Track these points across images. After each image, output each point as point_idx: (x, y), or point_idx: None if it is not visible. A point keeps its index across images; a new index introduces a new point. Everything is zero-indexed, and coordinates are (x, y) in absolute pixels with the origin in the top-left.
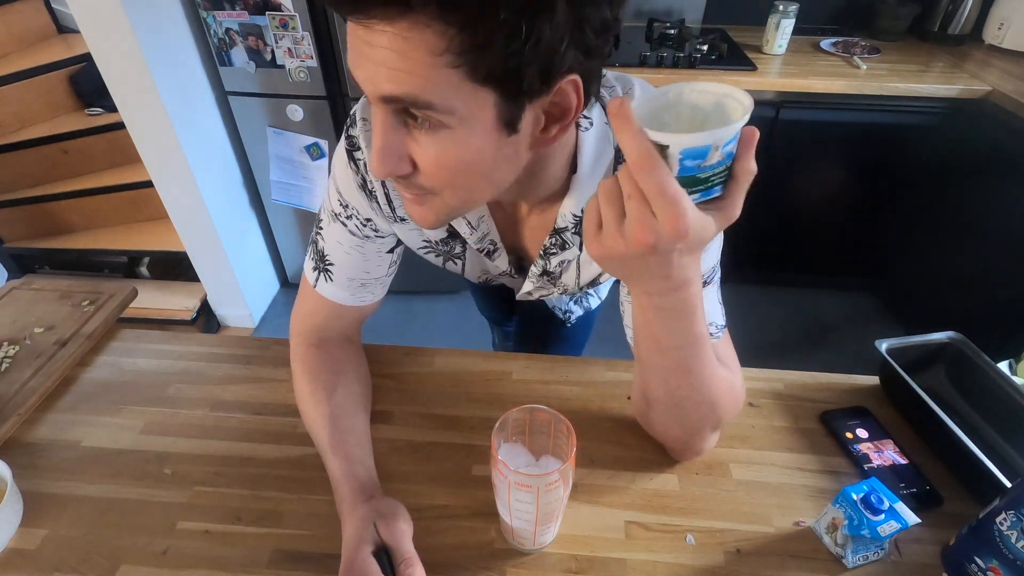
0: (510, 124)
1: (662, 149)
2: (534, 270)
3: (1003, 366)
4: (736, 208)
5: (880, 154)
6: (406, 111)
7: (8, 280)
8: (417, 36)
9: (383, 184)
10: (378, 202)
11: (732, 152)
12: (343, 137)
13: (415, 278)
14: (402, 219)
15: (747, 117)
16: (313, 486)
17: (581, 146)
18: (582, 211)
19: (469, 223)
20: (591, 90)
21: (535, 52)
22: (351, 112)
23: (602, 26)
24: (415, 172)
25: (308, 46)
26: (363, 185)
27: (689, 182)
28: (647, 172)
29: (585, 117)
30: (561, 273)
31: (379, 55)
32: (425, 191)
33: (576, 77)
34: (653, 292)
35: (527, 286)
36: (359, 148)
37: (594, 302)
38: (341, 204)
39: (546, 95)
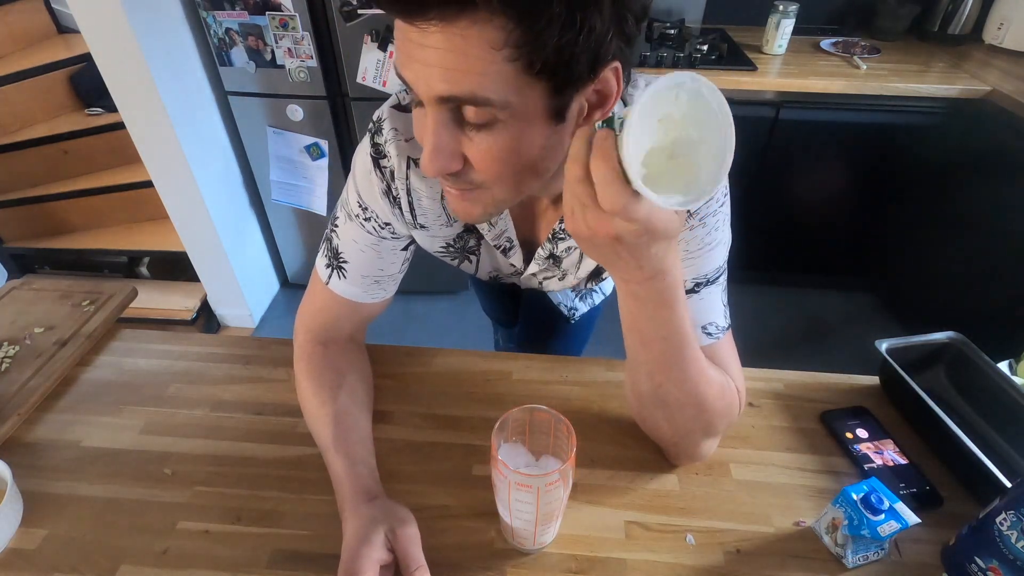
0: (559, 114)
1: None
2: (541, 252)
3: (1003, 366)
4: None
5: (880, 154)
6: (459, 108)
7: (8, 280)
8: (476, 33)
9: (408, 192)
10: (400, 209)
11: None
12: (368, 143)
13: (414, 278)
14: (422, 226)
15: (686, 204)
16: (313, 486)
17: None
18: None
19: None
20: (627, 75)
21: (587, 42)
22: (375, 118)
23: (641, 13)
24: (466, 168)
25: (308, 46)
26: (387, 192)
27: None
28: (610, 198)
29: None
30: (565, 259)
31: (434, 56)
32: (474, 185)
33: (617, 64)
34: (628, 279)
35: (532, 268)
36: (385, 156)
37: (598, 298)
38: (360, 207)
39: (591, 83)
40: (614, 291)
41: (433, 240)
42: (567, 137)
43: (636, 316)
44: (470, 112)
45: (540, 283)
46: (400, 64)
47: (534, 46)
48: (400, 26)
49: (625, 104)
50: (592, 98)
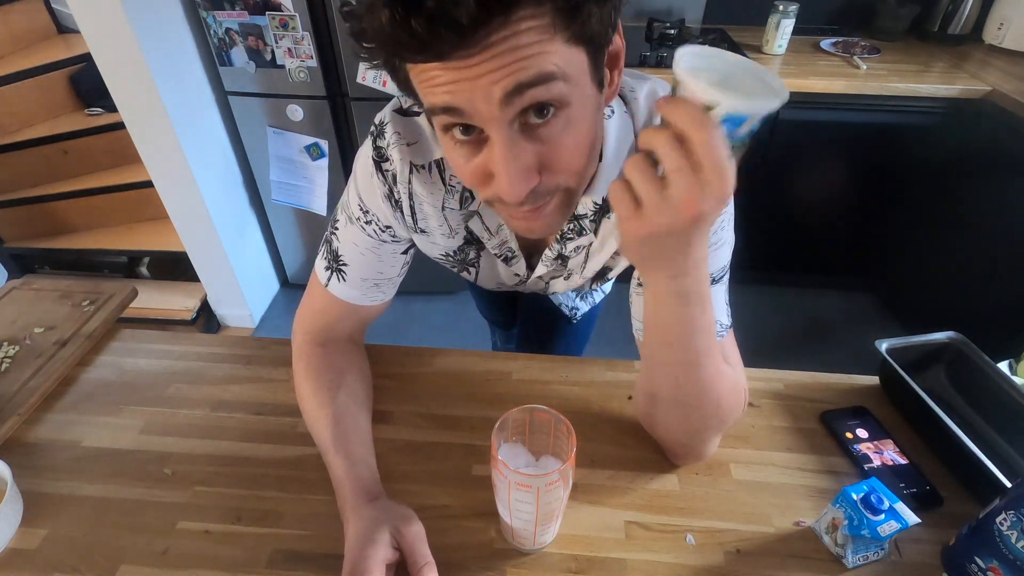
0: (600, 81)
1: (705, 110)
2: (548, 254)
3: (1003, 366)
4: (734, 180)
5: (880, 154)
6: (524, 113)
7: (8, 280)
8: (526, 24)
9: (409, 196)
10: (402, 212)
11: (755, 130)
12: (370, 146)
13: (414, 278)
14: (422, 231)
15: (785, 98)
16: (313, 486)
17: (605, 134)
18: (603, 200)
19: (488, 228)
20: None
21: (613, 3)
22: (376, 121)
23: None
24: (543, 177)
25: (308, 46)
26: (389, 195)
27: None
28: (707, 143)
29: (607, 106)
30: (572, 258)
31: (486, 65)
32: (550, 192)
33: (619, 22)
34: (677, 273)
35: (539, 270)
36: (388, 160)
37: (598, 297)
38: (361, 210)
39: (610, 44)
40: (615, 289)
41: (433, 247)
42: (602, 106)
43: (667, 315)
44: (537, 102)
45: (546, 284)
46: (438, 100)
47: (580, 17)
48: (429, 65)
49: (624, 98)
50: (608, 62)
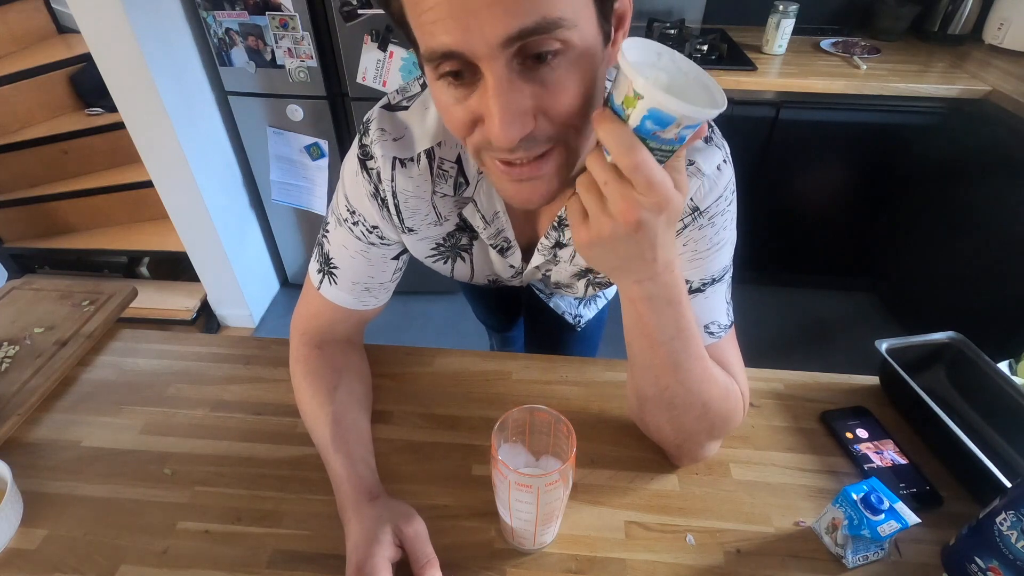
0: (607, 35)
1: (635, 97)
2: (545, 242)
3: (1003, 366)
4: (685, 182)
5: (880, 154)
6: (521, 52)
7: (8, 280)
8: None
9: (394, 195)
10: (388, 211)
11: (685, 138)
12: (356, 145)
13: (414, 279)
14: (410, 230)
15: (719, 111)
16: (313, 486)
17: None
18: None
19: (483, 216)
20: None
21: None
22: (364, 120)
23: None
24: (537, 125)
25: (308, 46)
26: (374, 194)
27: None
28: (631, 167)
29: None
30: (569, 246)
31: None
32: (545, 143)
33: None
34: (643, 278)
35: (536, 260)
36: (372, 157)
37: (602, 303)
38: (348, 210)
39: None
40: (617, 294)
41: (423, 243)
42: (606, 66)
43: (646, 320)
44: (538, 47)
45: (544, 275)
46: (434, 33)
47: None
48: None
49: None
50: (613, 21)
